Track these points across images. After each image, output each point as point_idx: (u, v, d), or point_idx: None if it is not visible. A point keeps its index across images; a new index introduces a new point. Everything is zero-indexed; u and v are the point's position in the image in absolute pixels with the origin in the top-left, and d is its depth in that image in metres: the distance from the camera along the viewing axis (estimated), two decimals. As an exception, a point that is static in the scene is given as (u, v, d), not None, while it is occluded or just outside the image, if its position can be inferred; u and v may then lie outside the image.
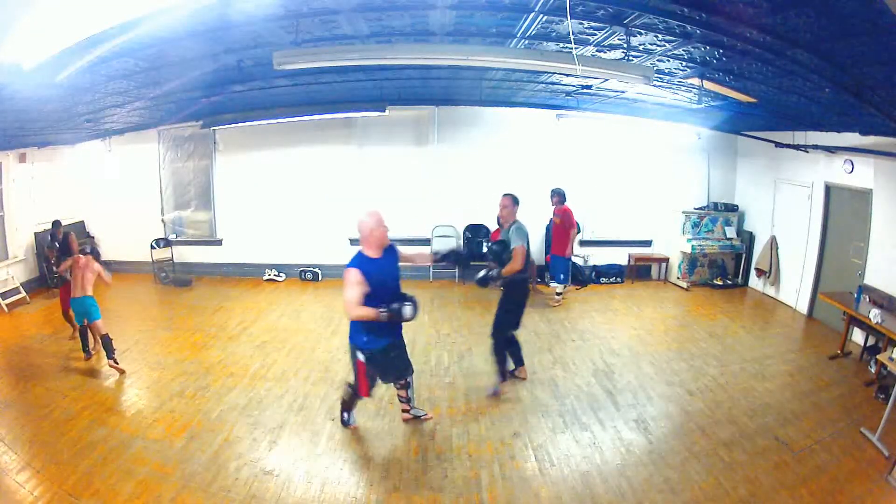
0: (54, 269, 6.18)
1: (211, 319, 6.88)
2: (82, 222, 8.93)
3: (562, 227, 7.37)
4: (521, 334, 6.41)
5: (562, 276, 7.55)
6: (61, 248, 6.16)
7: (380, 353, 3.83)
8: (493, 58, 3.76)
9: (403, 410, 4.39)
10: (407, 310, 3.58)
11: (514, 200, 4.99)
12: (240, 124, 7.89)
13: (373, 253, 3.70)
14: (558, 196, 7.41)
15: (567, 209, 7.39)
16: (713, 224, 8.58)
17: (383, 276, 3.66)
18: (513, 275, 4.61)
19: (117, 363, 5.27)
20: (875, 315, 5.03)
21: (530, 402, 4.79)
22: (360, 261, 3.63)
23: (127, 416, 4.49)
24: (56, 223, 6.48)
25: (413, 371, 4.18)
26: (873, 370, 5.23)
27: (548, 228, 8.20)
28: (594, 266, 8.78)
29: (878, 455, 3.91)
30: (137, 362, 5.55)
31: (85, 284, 5.47)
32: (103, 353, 5.38)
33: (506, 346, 4.93)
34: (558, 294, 7.67)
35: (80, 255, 5.56)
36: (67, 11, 2.74)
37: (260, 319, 6.94)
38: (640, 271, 8.95)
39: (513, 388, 5.03)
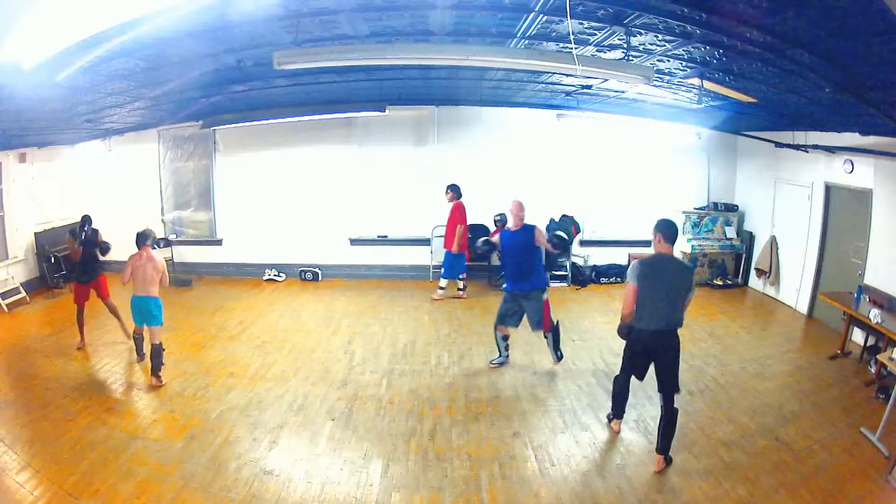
0: (70, 260, 6.00)
1: (211, 319, 6.88)
2: (82, 222, 8.93)
3: (450, 222, 7.53)
4: (521, 332, 6.45)
5: (442, 271, 7.75)
6: (87, 242, 5.91)
7: (508, 294, 5.31)
8: (493, 58, 3.76)
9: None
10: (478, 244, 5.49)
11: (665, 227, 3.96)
12: (240, 124, 7.89)
13: (512, 227, 5.22)
14: (452, 192, 7.55)
15: (458, 205, 7.52)
16: (713, 224, 8.58)
17: (510, 244, 5.21)
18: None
19: (160, 379, 4.97)
20: (875, 315, 5.03)
21: (530, 402, 4.79)
22: (504, 230, 5.46)
23: (127, 416, 4.49)
24: (86, 218, 6.10)
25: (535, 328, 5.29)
26: (873, 370, 5.23)
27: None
28: (594, 266, 8.78)
29: (878, 455, 3.91)
30: (137, 362, 5.55)
31: (147, 282, 5.04)
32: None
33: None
34: (441, 288, 7.79)
35: (143, 250, 5.15)
36: (67, 11, 2.75)
37: (260, 319, 6.94)
38: (640, 271, 8.93)
39: (513, 388, 5.03)
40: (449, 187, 7.60)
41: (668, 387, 3.83)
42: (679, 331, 3.90)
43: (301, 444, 4.13)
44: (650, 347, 3.88)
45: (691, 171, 8.78)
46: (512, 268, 5.23)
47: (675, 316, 3.82)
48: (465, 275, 7.90)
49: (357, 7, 3.46)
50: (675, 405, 3.82)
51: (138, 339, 5.47)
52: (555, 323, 5.42)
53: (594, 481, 3.70)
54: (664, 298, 3.79)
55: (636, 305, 3.84)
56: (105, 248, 5.93)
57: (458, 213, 7.51)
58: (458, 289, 7.88)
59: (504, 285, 5.38)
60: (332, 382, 5.13)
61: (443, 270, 7.79)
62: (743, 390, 5.01)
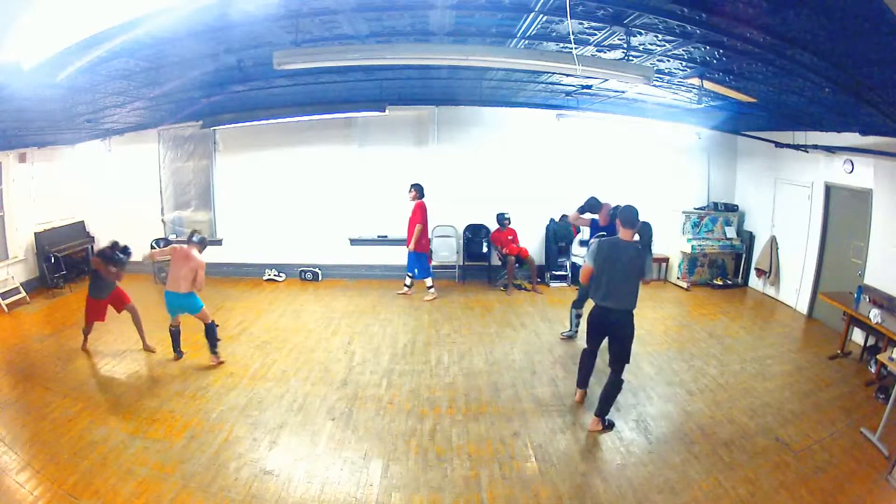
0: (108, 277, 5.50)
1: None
2: (82, 222, 8.92)
3: (412, 222, 7.55)
4: (522, 333, 6.46)
5: (416, 272, 7.77)
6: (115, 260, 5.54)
7: None
8: (493, 58, 3.75)
9: None
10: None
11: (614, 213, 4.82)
12: (240, 124, 7.88)
13: (602, 222, 5.96)
14: (416, 191, 7.57)
15: (420, 204, 7.54)
16: (713, 224, 8.58)
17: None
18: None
19: (218, 357, 5.46)
20: (875, 315, 5.03)
21: (530, 402, 4.79)
22: (594, 222, 6.08)
23: (127, 416, 4.49)
24: (116, 244, 5.65)
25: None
26: (873, 370, 5.23)
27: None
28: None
29: (878, 455, 3.91)
30: (137, 362, 5.56)
31: (179, 279, 5.13)
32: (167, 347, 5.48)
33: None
34: (429, 287, 7.80)
35: (190, 247, 5.24)
36: (67, 11, 2.75)
37: (260, 319, 6.94)
38: (640, 271, 8.94)
39: (513, 388, 5.04)
40: (413, 186, 7.60)
41: (617, 361, 4.24)
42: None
43: (301, 444, 4.13)
44: (602, 322, 4.28)
45: (691, 171, 8.78)
46: None
47: (626, 297, 4.11)
48: (414, 272, 7.94)
49: (357, 7, 3.46)
50: (623, 377, 4.26)
51: (175, 333, 5.55)
52: None
53: (594, 481, 3.70)
54: (616, 279, 4.11)
55: (592, 282, 4.24)
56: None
57: (419, 212, 7.54)
58: (405, 285, 7.95)
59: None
60: (332, 382, 5.13)
61: (416, 272, 7.80)
62: (743, 390, 5.01)
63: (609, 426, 4.34)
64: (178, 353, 5.61)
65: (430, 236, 8.71)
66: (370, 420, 4.46)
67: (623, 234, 4.17)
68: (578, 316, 6.03)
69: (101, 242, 9.11)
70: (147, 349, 5.79)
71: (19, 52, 3.13)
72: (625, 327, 4.19)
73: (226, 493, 3.52)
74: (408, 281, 7.95)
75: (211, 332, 5.44)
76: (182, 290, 5.20)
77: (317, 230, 8.82)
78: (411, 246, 7.59)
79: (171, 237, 8.94)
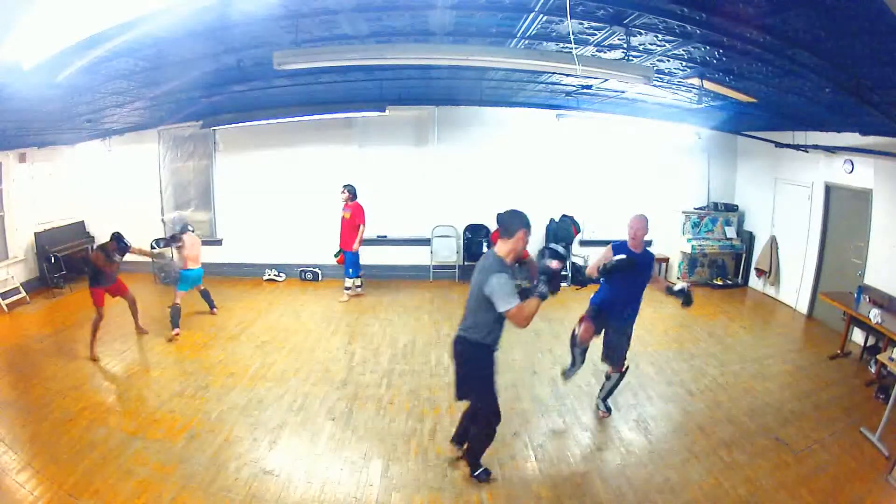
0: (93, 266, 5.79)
1: (211, 319, 6.87)
2: (82, 222, 8.92)
3: (352, 223, 7.58)
4: (522, 333, 6.45)
5: (351, 271, 7.79)
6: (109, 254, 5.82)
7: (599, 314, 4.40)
8: (493, 58, 3.76)
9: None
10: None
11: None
12: (240, 124, 7.87)
13: (634, 247, 4.22)
14: (349, 192, 7.61)
15: (358, 205, 7.62)
16: (713, 224, 8.58)
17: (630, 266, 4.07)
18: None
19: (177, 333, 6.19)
20: (875, 315, 5.03)
21: (530, 402, 4.79)
22: (622, 246, 4.24)
23: (127, 416, 4.49)
24: (117, 235, 6.03)
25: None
26: (873, 370, 5.23)
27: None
28: (594, 266, 8.77)
29: (878, 455, 3.92)
30: (137, 362, 5.56)
31: (199, 258, 6.53)
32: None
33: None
34: (346, 289, 7.86)
35: (183, 237, 6.38)
36: (67, 11, 2.75)
37: (260, 319, 6.94)
38: (640, 271, 8.93)
39: (513, 388, 5.03)
40: (345, 187, 7.61)
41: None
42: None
43: (301, 444, 4.13)
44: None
45: (691, 171, 8.78)
46: (617, 293, 4.29)
47: (466, 320, 3.37)
48: (362, 272, 8.02)
49: (357, 7, 3.46)
50: (492, 427, 3.48)
51: (176, 311, 6.26)
52: (627, 366, 4.50)
53: (594, 481, 3.70)
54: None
55: None
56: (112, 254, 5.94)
57: (361, 213, 7.59)
58: (356, 286, 7.97)
59: (593, 307, 4.44)
60: (332, 382, 5.13)
61: (350, 271, 7.78)
62: (743, 390, 5.01)
63: (481, 475, 3.61)
64: (178, 325, 6.26)
65: (431, 236, 8.74)
66: (370, 420, 4.46)
67: (497, 246, 3.40)
68: (584, 351, 4.69)
69: (102, 242, 9.14)
70: (140, 331, 6.24)
71: (19, 52, 3.13)
72: (463, 360, 3.36)
73: (226, 493, 3.52)
74: (348, 283, 7.91)
75: (208, 295, 6.94)
76: (199, 264, 6.54)
77: (317, 230, 8.80)
78: (356, 246, 7.62)
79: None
